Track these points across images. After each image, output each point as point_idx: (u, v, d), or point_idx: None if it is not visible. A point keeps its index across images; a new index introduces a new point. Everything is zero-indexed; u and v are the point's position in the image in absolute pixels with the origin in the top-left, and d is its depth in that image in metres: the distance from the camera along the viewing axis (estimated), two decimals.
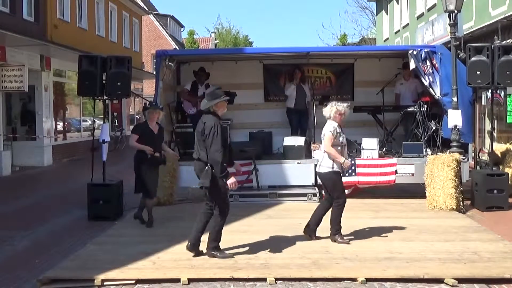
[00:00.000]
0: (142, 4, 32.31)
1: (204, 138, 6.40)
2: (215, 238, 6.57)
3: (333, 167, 7.09)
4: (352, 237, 7.37)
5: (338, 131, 7.11)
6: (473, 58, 9.65)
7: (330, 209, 7.26)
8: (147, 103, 8.55)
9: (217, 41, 51.96)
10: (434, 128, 10.64)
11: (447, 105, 10.02)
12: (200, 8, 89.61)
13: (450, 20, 10.05)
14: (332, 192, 7.23)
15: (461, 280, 5.64)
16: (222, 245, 6.98)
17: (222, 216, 6.57)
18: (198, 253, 6.60)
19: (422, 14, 21.28)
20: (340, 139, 7.14)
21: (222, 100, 6.53)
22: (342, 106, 7.21)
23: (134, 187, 8.51)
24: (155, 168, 8.45)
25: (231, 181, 6.48)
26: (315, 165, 10.27)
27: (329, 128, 7.09)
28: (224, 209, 6.57)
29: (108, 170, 9.58)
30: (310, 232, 7.31)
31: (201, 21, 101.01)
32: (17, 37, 14.20)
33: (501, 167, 10.56)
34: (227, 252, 6.61)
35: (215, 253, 6.52)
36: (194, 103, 11.53)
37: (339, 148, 7.11)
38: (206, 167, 6.38)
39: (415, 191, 10.22)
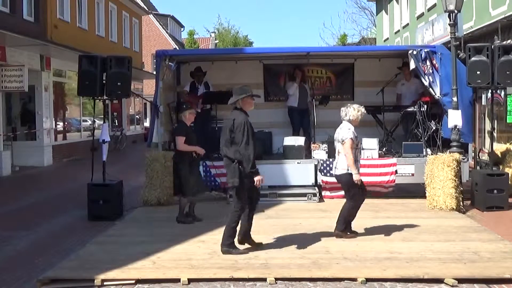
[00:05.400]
0: (142, 4, 32.30)
1: (233, 135, 6.50)
2: (231, 235, 6.62)
3: (348, 169, 7.20)
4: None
5: (355, 135, 7.24)
6: (473, 58, 9.65)
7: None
8: (184, 104, 8.73)
9: (217, 41, 51.94)
10: (434, 128, 10.64)
11: (447, 105, 10.02)
12: (200, 8, 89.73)
13: (450, 20, 10.05)
14: (347, 193, 7.39)
15: (461, 280, 5.64)
16: None
17: (241, 212, 6.64)
18: (252, 244, 6.82)
19: (422, 14, 21.29)
20: (357, 142, 7.29)
21: (248, 95, 6.63)
22: (364, 110, 7.39)
23: (181, 191, 8.45)
24: (197, 166, 8.59)
25: (258, 178, 6.58)
26: (315, 165, 10.39)
27: (349, 134, 7.16)
28: (244, 206, 6.64)
29: (108, 170, 9.58)
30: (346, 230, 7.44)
31: (201, 21, 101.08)
32: (17, 37, 14.21)
33: (501, 167, 10.56)
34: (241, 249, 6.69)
35: (231, 249, 6.57)
36: (195, 103, 11.52)
37: (355, 150, 7.24)
38: (233, 164, 6.49)
39: (415, 191, 10.22)
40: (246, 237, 6.84)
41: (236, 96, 6.62)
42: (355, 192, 7.31)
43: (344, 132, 7.23)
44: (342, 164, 7.26)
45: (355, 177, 7.14)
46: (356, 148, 7.27)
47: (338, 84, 12.68)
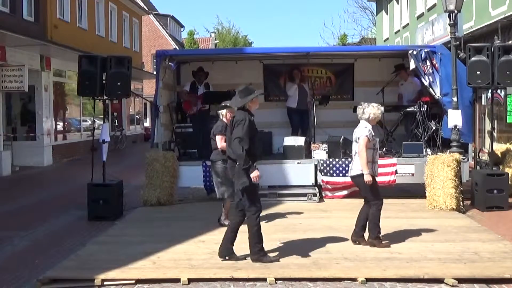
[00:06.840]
0: (142, 4, 32.30)
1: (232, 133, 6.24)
2: (258, 241, 6.25)
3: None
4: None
5: (373, 134, 6.93)
6: (473, 58, 9.65)
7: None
8: (225, 103, 8.30)
9: (217, 41, 51.94)
10: (434, 128, 10.64)
11: (447, 105, 10.02)
12: (200, 8, 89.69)
13: (450, 20, 10.04)
14: (366, 194, 7.00)
15: (461, 280, 5.64)
16: None
17: (258, 214, 6.28)
18: (235, 258, 6.35)
19: (422, 14, 21.29)
20: (374, 142, 6.96)
21: (256, 95, 6.38)
22: (383, 109, 7.14)
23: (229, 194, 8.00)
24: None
25: (254, 174, 6.12)
26: (315, 165, 10.38)
27: (365, 132, 6.83)
28: (260, 206, 6.31)
29: (108, 170, 9.58)
30: (356, 236, 7.04)
31: (201, 21, 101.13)
32: (17, 37, 14.21)
33: (501, 167, 10.55)
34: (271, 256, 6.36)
35: (261, 257, 6.23)
36: (194, 103, 11.54)
37: (372, 151, 6.89)
38: (236, 165, 6.21)
39: (415, 191, 10.22)
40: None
41: (244, 99, 6.28)
42: (374, 194, 6.90)
43: (360, 130, 6.89)
44: (358, 164, 6.88)
45: (366, 178, 6.72)
46: (373, 148, 6.91)
47: (338, 84, 12.68)
